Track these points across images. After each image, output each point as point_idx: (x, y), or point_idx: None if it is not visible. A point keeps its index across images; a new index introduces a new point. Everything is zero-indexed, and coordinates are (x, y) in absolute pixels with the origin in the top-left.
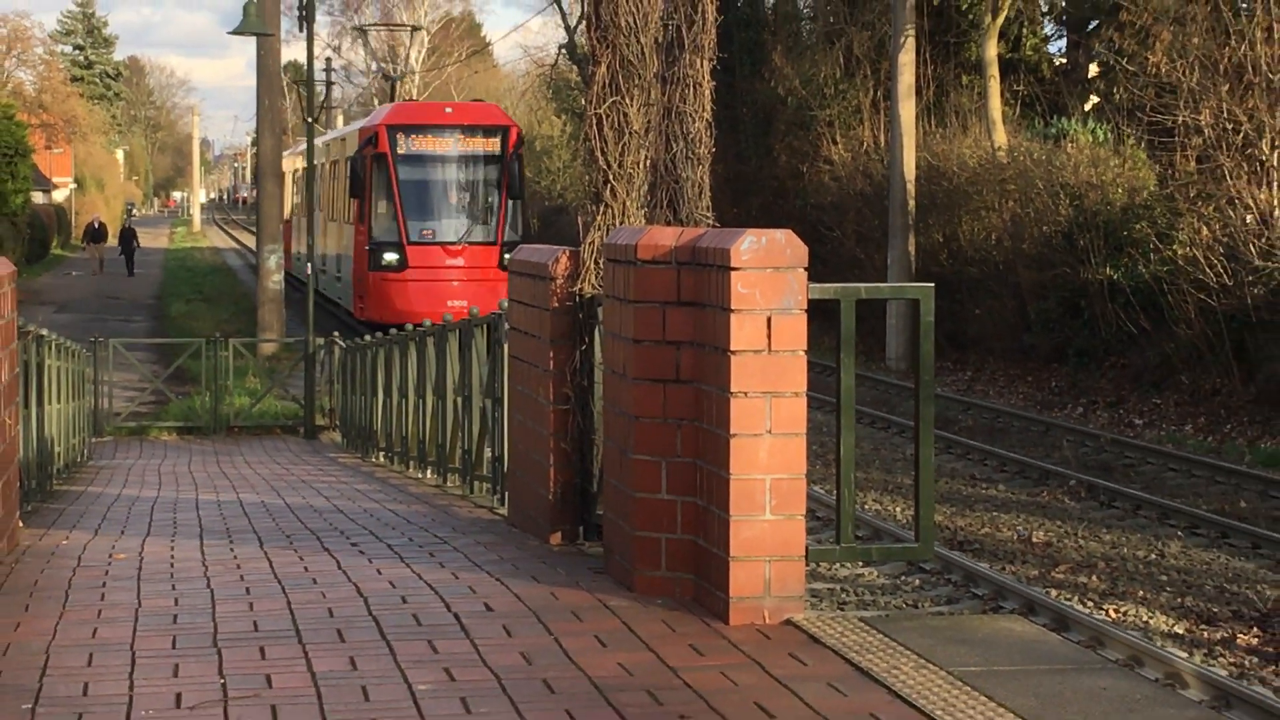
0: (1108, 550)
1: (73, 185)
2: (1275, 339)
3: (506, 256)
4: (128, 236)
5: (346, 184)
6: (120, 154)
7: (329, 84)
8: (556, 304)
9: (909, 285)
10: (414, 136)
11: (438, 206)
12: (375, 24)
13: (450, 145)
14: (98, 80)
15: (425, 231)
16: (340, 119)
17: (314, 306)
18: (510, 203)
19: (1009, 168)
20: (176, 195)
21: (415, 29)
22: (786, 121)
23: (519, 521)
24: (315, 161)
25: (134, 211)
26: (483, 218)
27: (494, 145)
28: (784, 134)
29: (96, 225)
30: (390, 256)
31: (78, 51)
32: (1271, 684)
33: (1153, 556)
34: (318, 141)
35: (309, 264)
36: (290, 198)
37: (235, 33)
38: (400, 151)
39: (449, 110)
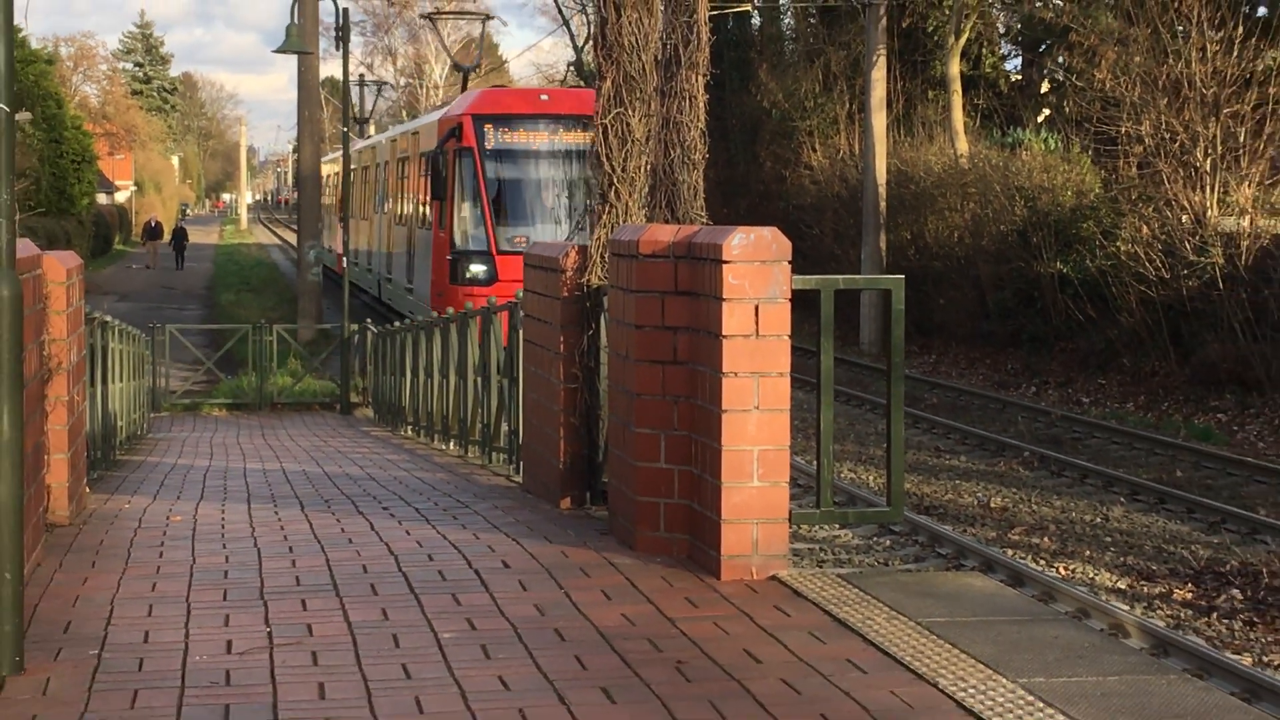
0: (1058, 514)
1: (133, 188)
2: (1207, 326)
3: None
4: (179, 235)
5: (420, 184)
6: (175, 160)
7: (378, 84)
8: (566, 293)
9: (882, 277)
10: (504, 128)
11: (533, 210)
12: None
13: (547, 138)
14: (155, 94)
15: (518, 239)
16: (372, 128)
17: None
18: None
19: (970, 173)
20: (225, 197)
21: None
22: (771, 131)
23: (532, 488)
24: (379, 160)
25: (188, 212)
26: (586, 224)
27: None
28: (769, 142)
29: (153, 224)
30: (477, 269)
31: (137, 68)
32: (1204, 634)
33: (1098, 520)
34: (380, 138)
35: (342, 258)
36: (350, 199)
37: (279, 51)
38: (489, 146)
39: (545, 98)
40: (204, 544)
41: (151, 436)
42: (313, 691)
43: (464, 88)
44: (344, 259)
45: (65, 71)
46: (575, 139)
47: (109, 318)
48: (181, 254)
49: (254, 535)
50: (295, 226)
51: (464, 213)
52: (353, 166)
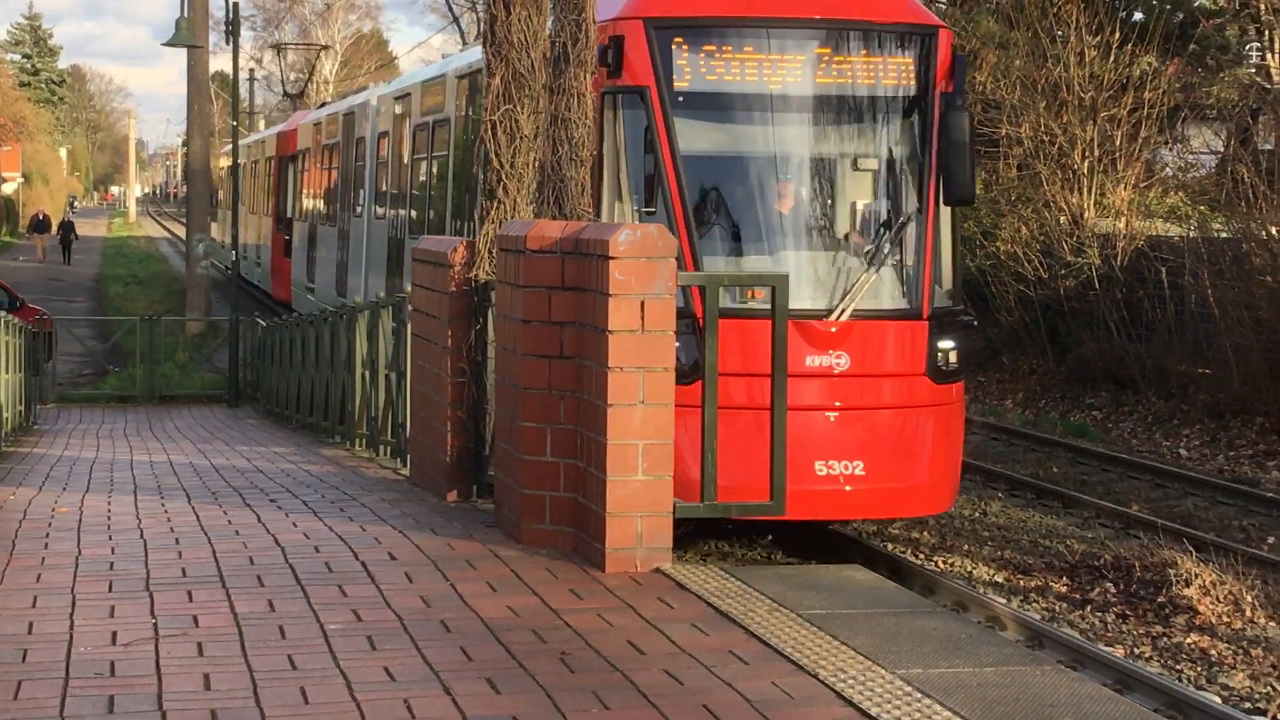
0: None
1: (20, 180)
2: (1083, 325)
3: (945, 348)
4: (67, 228)
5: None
6: (63, 152)
7: (321, 48)
8: (454, 288)
9: (766, 274)
10: (716, 45)
11: (780, 223)
12: (292, 43)
13: (806, 70)
14: (43, 86)
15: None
16: (262, 123)
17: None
18: (941, 217)
19: None
20: (114, 190)
21: (324, 48)
22: None
23: (419, 481)
24: (367, 132)
25: (76, 204)
26: (887, 250)
27: (905, 71)
28: None
29: (41, 217)
30: None
31: (25, 60)
32: (1078, 626)
33: (977, 515)
34: (369, 95)
35: (234, 252)
36: (295, 194)
37: (168, 45)
38: (684, 83)
39: None
40: (90, 535)
41: (38, 428)
42: (198, 682)
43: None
44: (239, 258)
45: None
46: (867, 70)
47: None
48: (69, 247)
49: (140, 527)
50: (184, 220)
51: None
52: (304, 147)
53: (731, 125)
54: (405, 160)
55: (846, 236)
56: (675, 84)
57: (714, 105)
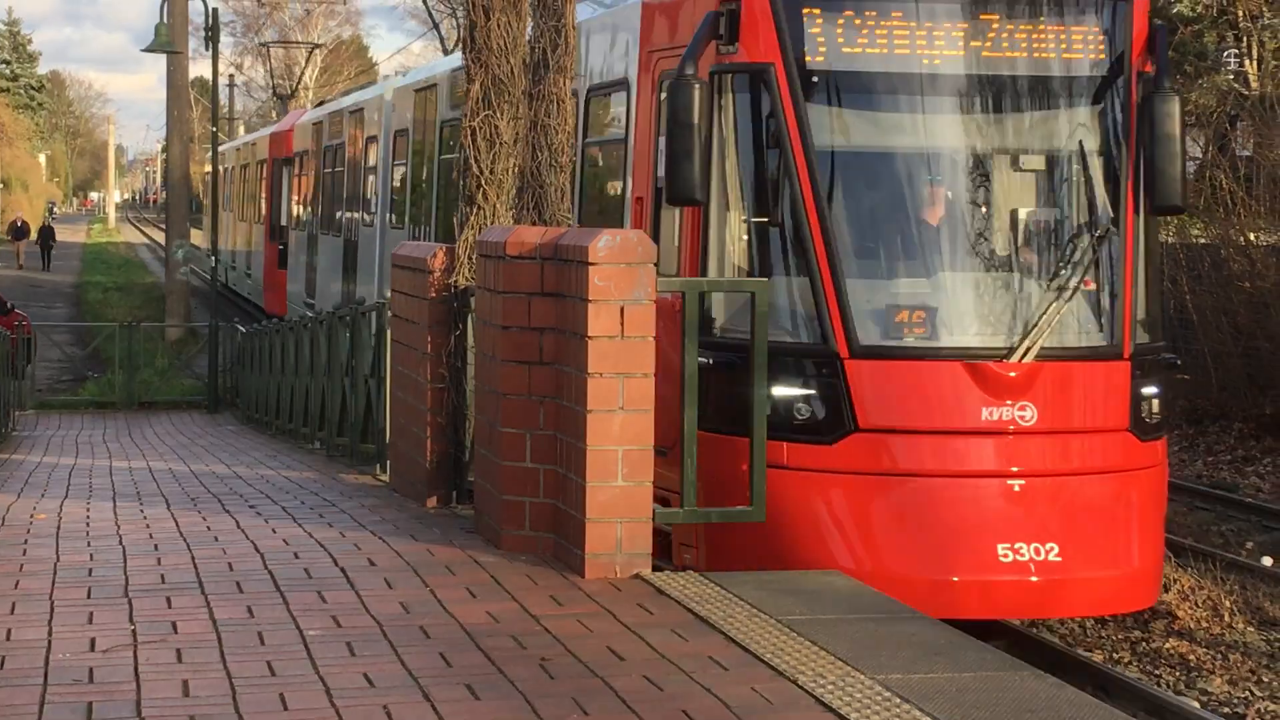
0: None
1: None
2: None
3: (1149, 395)
4: (46, 233)
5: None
6: (43, 158)
7: (311, 47)
8: (434, 294)
9: (745, 280)
10: (863, 17)
11: (940, 236)
12: (278, 42)
13: (970, 45)
14: (22, 92)
15: (911, 320)
16: (241, 129)
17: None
18: (1141, 229)
19: None
20: (94, 196)
21: (316, 47)
22: None
23: (399, 487)
24: (386, 127)
25: (55, 210)
26: (1079, 272)
27: (1094, 47)
28: None
29: (19, 223)
30: (793, 391)
31: (4, 65)
32: (1058, 632)
33: None
34: (393, 85)
35: (214, 257)
36: (291, 201)
37: (147, 50)
38: (820, 62)
39: None
40: (68, 542)
41: (17, 434)
42: (177, 689)
43: None
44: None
45: None
46: (1041, 47)
47: None
48: (48, 253)
49: (119, 533)
50: (164, 226)
51: (738, 238)
52: (301, 149)
53: (878, 113)
54: (429, 161)
55: (1025, 254)
56: (807, 61)
57: (856, 88)
